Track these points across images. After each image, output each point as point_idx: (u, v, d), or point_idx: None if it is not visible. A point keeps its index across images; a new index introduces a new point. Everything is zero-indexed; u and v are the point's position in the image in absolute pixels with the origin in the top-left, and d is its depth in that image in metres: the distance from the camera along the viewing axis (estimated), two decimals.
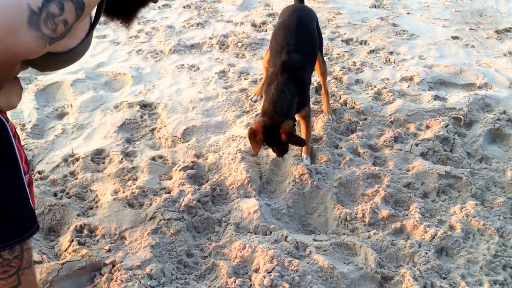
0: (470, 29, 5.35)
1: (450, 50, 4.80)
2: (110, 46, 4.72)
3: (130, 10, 1.79)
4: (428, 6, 6.11)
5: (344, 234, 2.61)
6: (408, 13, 5.80)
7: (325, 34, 5.07)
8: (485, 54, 4.71)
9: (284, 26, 3.23)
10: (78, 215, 2.66)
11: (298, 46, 3.05)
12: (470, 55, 4.69)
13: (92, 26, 1.64)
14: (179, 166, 3.02)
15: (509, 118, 3.58)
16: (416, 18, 5.64)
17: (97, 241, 2.50)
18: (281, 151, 2.89)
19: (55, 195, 2.81)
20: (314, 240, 2.56)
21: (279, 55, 3.01)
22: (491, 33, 5.20)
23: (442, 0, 6.36)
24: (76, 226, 2.55)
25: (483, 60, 4.56)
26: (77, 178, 2.94)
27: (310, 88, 3.24)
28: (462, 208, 2.72)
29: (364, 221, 2.67)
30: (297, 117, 3.05)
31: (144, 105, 3.73)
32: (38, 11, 1.23)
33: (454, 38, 5.08)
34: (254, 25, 5.31)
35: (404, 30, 5.23)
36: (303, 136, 3.13)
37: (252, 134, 2.72)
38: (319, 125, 3.44)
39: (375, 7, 6.03)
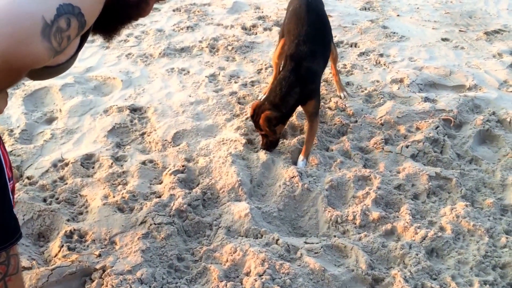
0: (460, 31, 5.39)
1: (440, 52, 4.82)
2: (99, 50, 4.70)
3: (112, 28, 1.81)
4: (418, 8, 6.14)
5: (335, 236, 2.61)
6: (398, 15, 5.83)
7: None
8: (475, 56, 4.74)
9: (295, 15, 3.35)
10: (68, 220, 2.64)
11: (309, 36, 3.19)
12: (460, 56, 4.71)
13: (81, 44, 1.67)
14: (170, 170, 3.01)
15: (498, 119, 3.60)
16: (406, 20, 5.67)
17: (87, 246, 2.48)
18: (268, 143, 3.16)
19: (44, 200, 2.78)
20: (305, 242, 2.55)
21: (289, 46, 3.22)
22: (481, 35, 5.23)
23: (432, 2, 6.39)
24: (65, 231, 2.53)
25: (472, 62, 4.58)
26: (66, 183, 2.92)
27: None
28: (452, 209, 2.73)
29: (355, 223, 2.67)
30: (305, 110, 3.23)
31: (134, 109, 3.72)
32: (50, 24, 1.28)
33: (444, 40, 5.11)
34: (244, 28, 5.31)
35: (394, 32, 5.26)
36: (305, 136, 3.21)
37: (250, 108, 3.20)
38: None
39: (365, 9, 6.05)
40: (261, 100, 3.19)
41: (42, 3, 1.28)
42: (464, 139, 3.40)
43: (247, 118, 3.57)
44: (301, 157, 3.14)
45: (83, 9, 1.38)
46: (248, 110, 3.24)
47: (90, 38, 1.77)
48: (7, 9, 1.21)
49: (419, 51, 4.83)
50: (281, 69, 3.23)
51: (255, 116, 3.12)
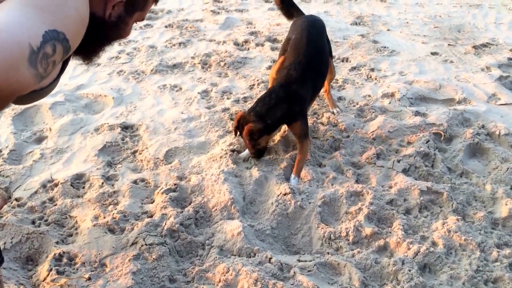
0: (449, 44, 5.43)
1: (429, 65, 4.85)
2: (90, 67, 4.70)
3: (91, 50, 1.81)
4: (407, 22, 6.19)
5: (328, 253, 2.59)
6: (388, 30, 5.87)
7: None
8: (464, 69, 4.78)
9: (295, 44, 3.45)
10: (57, 242, 2.60)
11: (302, 65, 3.30)
12: (449, 70, 4.75)
13: (63, 67, 1.68)
14: (161, 189, 2.99)
15: (488, 132, 3.62)
16: (396, 35, 5.71)
17: (77, 269, 2.44)
18: (255, 152, 3.25)
19: (33, 222, 2.75)
20: (299, 260, 2.54)
21: (283, 71, 3.33)
22: (469, 49, 5.28)
23: (421, 16, 6.45)
24: (54, 254, 2.50)
25: (461, 75, 4.62)
26: (56, 205, 2.89)
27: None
28: (444, 224, 2.73)
29: (348, 240, 2.66)
30: (292, 131, 3.32)
31: (125, 127, 3.70)
32: (37, 51, 1.28)
33: (433, 54, 5.15)
34: (236, 43, 5.33)
35: (385, 47, 5.29)
36: (297, 155, 3.22)
37: (235, 119, 3.30)
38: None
39: (356, 24, 6.09)
40: (247, 110, 3.26)
41: (28, 29, 1.28)
42: (455, 153, 3.41)
43: (239, 135, 3.56)
44: (292, 175, 3.15)
45: (67, 34, 1.39)
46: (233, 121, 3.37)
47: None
48: None
49: (409, 65, 4.86)
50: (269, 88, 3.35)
51: (239, 127, 3.24)
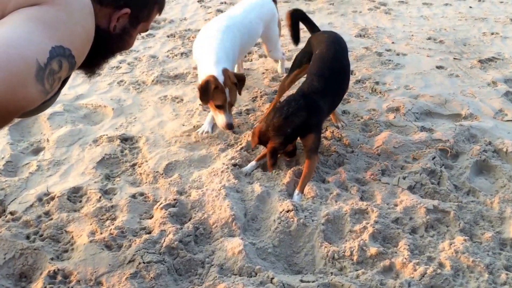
0: (454, 58, 5.37)
1: (435, 80, 4.79)
2: (81, 72, 4.63)
3: (94, 62, 1.79)
4: (412, 35, 6.14)
5: (331, 273, 2.50)
6: (393, 43, 5.82)
7: None
8: (470, 84, 4.71)
9: (320, 59, 3.42)
10: (52, 259, 2.52)
11: (325, 76, 3.29)
12: (455, 84, 4.68)
13: (64, 81, 1.64)
14: (161, 204, 2.91)
15: (495, 149, 3.54)
16: (401, 48, 5.66)
17: (72, 287, 2.36)
18: (288, 154, 3.34)
19: (27, 237, 2.66)
20: (301, 281, 2.44)
21: (305, 81, 3.33)
22: (475, 63, 5.21)
23: (426, 29, 6.40)
24: (49, 271, 2.41)
25: (467, 90, 4.55)
26: (52, 219, 2.81)
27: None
28: (451, 244, 2.64)
29: (352, 260, 2.57)
30: (304, 143, 3.24)
31: (124, 139, 3.63)
32: (44, 67, 1.28)
33: (439, 67, 5.08)
34: None
35: (390, 60, 5.23)
36: (303, 171, 3.17)
37: (253, 134, 3.27)
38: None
39: (361, 36, 6.04)
40: (263, 123, 3.19)
41: (35, 45, 1.27)
42: (461, 170, 3.33)
43: (241, 148, 3.50)
44: (296, 191, 3.08)
45: (73, 51, 1.39)
46: (250, 138, 3.38)
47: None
48: (1, 52, 1.20)
49: (415, 79, 4.80)
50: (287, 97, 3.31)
51: (262, 142, 3.21)
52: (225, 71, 3.40)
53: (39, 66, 1.26)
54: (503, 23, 6.77)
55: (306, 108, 3.13)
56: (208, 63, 3.45)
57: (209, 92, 3.32)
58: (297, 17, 3.95)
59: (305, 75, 3.50)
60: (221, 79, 3.35)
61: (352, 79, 4.75)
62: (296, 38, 4.05)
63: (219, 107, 3.41)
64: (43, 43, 1.30)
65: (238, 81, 3.46)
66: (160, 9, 1.92)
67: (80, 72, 1.79)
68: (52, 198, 2.98)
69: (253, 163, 3.34)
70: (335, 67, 3.38)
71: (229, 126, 3.47)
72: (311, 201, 2.96)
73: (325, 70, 3.33)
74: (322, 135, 3.68)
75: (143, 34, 5.69)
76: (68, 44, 1.36)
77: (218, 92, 3.35)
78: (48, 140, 3.61)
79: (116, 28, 1.72)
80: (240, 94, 3.59)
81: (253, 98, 4.32)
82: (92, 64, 1.79)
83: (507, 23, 6.75)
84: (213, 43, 3.53)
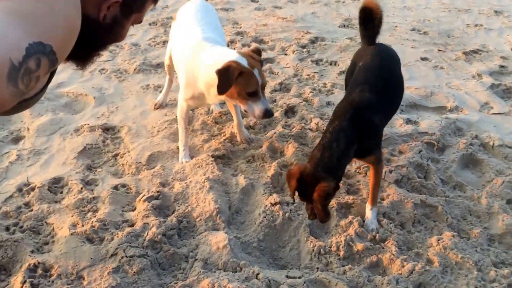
0: (439, 50, 5.37)
1: (420, 71, 4.77)
2: (71, 64, 4.51)
3: (85, 54, 1.69)
4: (396, 26, 6.12)
5: (318, 269, 2.47)
6: None
7: (295, 54, 4.99)
8: (455, 76, 4.71)
9: (364, 68, 2.86)
10: (32, 251, 2.44)
11: (377, 86, 2.69)
12: (440, 77, 4.68)
13: (50, 78, 1.57)
14: (144, 196, 2.84)
15: (481, 143, 3.53)
16: (385, 39, 5.62)
17: (52, 282, 2.29)
18: (311, 212, 2.51)
19: (7, 229, 2.59)
20: (287, 276, 2.41)
21: (350, 92, 2.69)
22: (459, 55, 5.21)
23: (410, 20, 6.39)
24: (29, 264, 2.34)
25: (452, 82, 4.55)
26: (32, 210, 2.73)
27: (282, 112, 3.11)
28: (439, 240, 2.62)
29: (339, 255, 2.54)
30: (364, 162, 2.93)
31: (106, 129, 3.54)
32: (18, 66, 1.16)
33: (423, 59, 5.07)
34: None
35: None
36: (370, 183, 2.74)
37: (288, 177, 2.48)
38: (289, 150, 3.32)
39: (344, 26, 6.01)
40: (307, 162, 2.52)
41: (9, 42, 1.15)
42: (448, 164, 3.32)
43: (225, 139, 3.44)
44: (368, 206, 2.75)
45: (54, 46, 1.27)
46: (286, 179, 2.52)
47: None
48: None
49: None
50: (333, 113, 2.67)
51: (305, 188, 2.41)
52: (241, 52, 2.92)
53: (12, 65, 1.14)
54: (487, 14, 6.79)
55: (357, 137, 2.48)
56: (212, 52, 2.94)
57: (230, 80, 2.73)
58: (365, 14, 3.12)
59: None
60: (244, 62, 2.79)
61: (336, 70, 4.72)
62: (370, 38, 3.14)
63: (251, 94, 2.83)
64: (19, 39, 1.18)
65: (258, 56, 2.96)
66: (155, 1, 1.82)
67: (70, 64, 1.70)
68: (33, 189, 2.89)
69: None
70: (385, 76, 2.81)
71: (269, 113, 2.88)
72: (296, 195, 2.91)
73: (376, 80, 2.75)
74: (306, 126, 3.64)
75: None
76: (48, 40, 1.25)
77: (246, 77, 2.77)
78: (28, 129, 3.51)
79: (106, 18, 1.61)
80: None
81: None
82: (82, 56, 1.70)
83: (491, 15, 6.77)
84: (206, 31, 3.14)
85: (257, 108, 2.85)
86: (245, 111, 2.94)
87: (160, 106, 3.88)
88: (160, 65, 4.62)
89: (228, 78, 2.72)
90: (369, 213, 2.74)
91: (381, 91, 2.68)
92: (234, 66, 2.73)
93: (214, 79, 2.76)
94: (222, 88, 2.74)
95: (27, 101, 1.51)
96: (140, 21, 1.81)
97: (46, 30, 1.25)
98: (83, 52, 1.66)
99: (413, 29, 6.04)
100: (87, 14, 1.54)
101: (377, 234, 2.66)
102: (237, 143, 3.44)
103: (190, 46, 3.06)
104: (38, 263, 2.36)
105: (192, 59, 3.00)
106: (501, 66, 4.95)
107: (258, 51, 3.00)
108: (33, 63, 1.20)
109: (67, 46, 1.36)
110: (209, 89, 2.93)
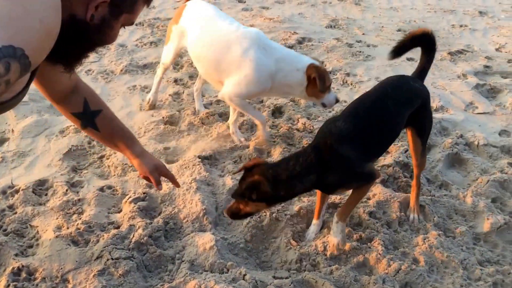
0: None
1: (405, 71, 4.78)
2: (59, 66, 4.47)
3: (73, 56, 1.64)
4: (382, 26, 6.15)
5: (305, 270, 2.47)
6: (363, 34, 5.81)
7: None
8: (440, 76, 4.74)
9: (359, 98, 2.66)
10: (16, 255, 2.41)
11: (358, 116, 2.45)
12: (426, 76, 4.69)
13: (31, 78, 1.52)
14: (130, 197, 2.82)
15: (466, 142, 3.57)
16: (371, 39, 5.66)
17: (37, 285, 2.26)
18: (234, 210, 2.34)
19: None
20: (274, 277, 2.40)
21: (332, 122, 2.46)
22: (445, 55, 5.25)
23: (396, 21, 6.43)
24: (13, 268, 2.31)
25: (438, 82, 4.58)
26: (16, 213, 2.69)
27: (268, 112, 3.08)
28: (425, 239, 2.64)
29: (326, 255, 2.54)
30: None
31: None
32: None
33: (409, 59, 5.10)
34: None
35: (360, 51, 5.22)
36: (350, 196, 2.51)
37: (247, 162, 2.41)
38: (276, 150, 3.32)
39: (331, 27, 6.02)
40: (270, 162, 2.53)
41: None
42: (434, 163, 3.34)
43: (212, 140, 3.43)
44: (335, 217, 2.50)
45: (27, 50, 1.22)
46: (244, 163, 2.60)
47: None
48: None
49: (385, 70, 4.80)
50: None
51: (246, 173, 2.34)
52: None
53: None
54: (471, 15, 6.85)
55: (317, 169, 2.29)
56: (291, 59, 3.27)
57: (327, 79, 3.24)
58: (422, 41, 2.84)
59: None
60: (317, 63, 3.30)
61: None
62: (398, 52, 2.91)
63: (328, 88, 3.28)
64: None
65: None
66: (147, 2, 1.72)
67: (58, 66, 1.66)
68: (17, 191, 2.86)
69: (314, 224, 2.73)
70: (376, 107, 2.52)
71: (338, 99, 3.41)
72: None
73: (361, 109, 2.51)
74: (293, 127, 3.64)
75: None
76: (20, 43, 1.20)
77: (327, 76, 3.27)
78: (12, 131, 3.47)
79: (94, 18, 1.54)
80: None
81: None
82: (70, 58, 1.65)
83: (475, 16, 6.84)
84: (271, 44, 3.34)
85: (332, 98, 3.31)
86: (322, 104, 3.33)
87: (153, 107, 3.87)
88: (147, 66, 4.60)
89: (325, 78, 3.19)
90: (334, 225, 2.51)
91: (363, 120, 2.45)
92: (319, 67, 3.21)
93: (304, 80, 3.20)
94: (323, 87, 3.20)
95: (3, 105, 1.46)
96: (132, 23, 1.73)
97: (18, 33, 1.20)
98: (70, 54, 1.61)
99: (399, 30, 6.07)
100: (73, 14, 1.50)
101: (343, 247, 2.50)
102: (223, 144, 3.42)
103: (250, 43, 3.21)
104: (22, 266, 2.33)
105: (265, 58, 3.21)
106: (486, 66, 5.00)
107: None
108: (2, 67, 1.16)
109: (42, 49, 1.32)
110: (297, 88, 3.27)
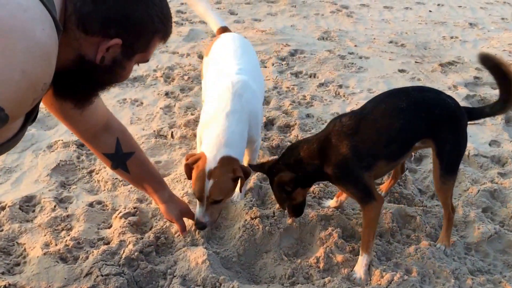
0: (416, 62, 5.42)
1: (397, 83, 4.81)
2: (69, 104, 4.44)
3: (82, 95, 1.62)
4: (374, 38, 6.18)
5: (298, 283, 2.44)
6: (355, 46, 5.83)
7: (274, 66, 5.00)
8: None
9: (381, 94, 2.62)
10: (3, 273, 2.36)
11: (365, 114, 2.43)
12: None
13: (25, 123, 1.50)
14: (120, 212, 2.78)
15: None
16: (363, 51, 5.67)
17: None
18: (291, 208, 2.61)
19: None
20: None
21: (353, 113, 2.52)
22: (436, 66, 5.28)
23: (388, 33, 6.45)
24: (0, 286, 2.26)
25: None
26: (2, 230, 2.64)
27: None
28: (417, 249, 2.62)
29: (319, 267, 2.51)
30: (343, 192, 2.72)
31: (81, 144, 3.46)
32: None
33: (401, 71, 5.12)
34: (201, 56, 5.17)
35: (352, 63, 5.23)
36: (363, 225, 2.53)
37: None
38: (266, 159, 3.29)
39: (323, 39, 6.04)
40: (275, 158, 2.67)
41: None
42: (425, 174, 3.34)
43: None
44: (362, 255, 2.47)
45: (4, 103, 1.19)
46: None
47: None
48: None
49: (377, 82, 4.81)
50: None
51: (269, 177, 2.60)
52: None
53: None
54: (462, 27, 6.90)
55: (319, 157, 2.44)
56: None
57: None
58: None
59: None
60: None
61: (316, 82, 4.73)
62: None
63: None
64: None
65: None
66: (164, 38, 1.66)
67: (68, 104, 1.63)
68: (3, 208, 2.80)
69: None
70: (389, 107, 2.45)
71: (197, 224, 2.55)
72: (275, 207, 2.88)
73: (370, 107, 2.49)
74: (286, 138, 3.62)
75: None
76: None
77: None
78: None
79: (105, 60, 1.52)
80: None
81: None
82: (79, 96, 1.62)
83: (465, 27, 6.89)
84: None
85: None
86: None
87: None
88: (137, 79, 4.58)
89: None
90: (359, 259, 2.49)
91: (370, 124, 2.41)
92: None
93: None
94: None
95: (2, 146, 1.43)
96: (147, 60, 1.70)
97: None
98: (79, 92, 1.59)
99: (390, 42, 6.10)
100: (82, 55, 1.48)
101: (363, 282, 2.42)
102: None
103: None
104: (9, 284, 2.28)
105: None
106: (476, 77, 5.03)
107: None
108: None
109: (22, 100, 1.29)
110: None
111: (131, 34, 1.53)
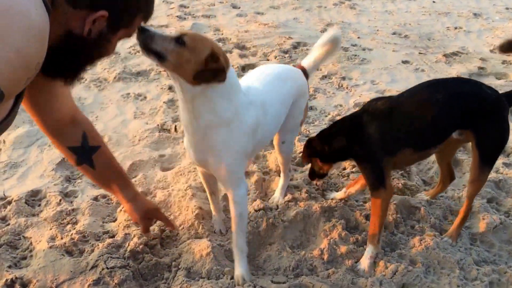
0: (419, 53, 5.41)
1: (401, 74, 4.80)
2: (59, 81, 4.46)
3: (71, 70, 1.64)
4: (377, 30, 6.16)
5: (302, 274, 2.44)
6: (358, 37, 5.81)
7: (277, 59, 4.99)
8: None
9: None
10: (10, 266, 2.39)
11: (400, 100, 2.48)
12: (421, 79, 4.69)
13: (16, 104, 1.53)
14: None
15: None
16: (366, 43, 5.66)
17: None
18: (311, 170, 2.82)
19: None
20: (272, 282, 2.38)
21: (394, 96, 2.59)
22: (440, 57, 5.26)
23: (391, 24, 6.43)
24: (6, 280, 2.28)
25: None
26: (9, 224, 2.67)
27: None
28: (421, 240, 2.62)
29: (323, 259, 2.52)
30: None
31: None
32: None
33: (405, 62, 5.11)
34: None
35: (356, 55, 5.22)
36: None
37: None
38: (272, 156, 3.30)
39: (326, 31, 6.01)
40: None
41: None
42: (429, 165, 3.33)
43: None
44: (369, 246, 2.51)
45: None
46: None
47: None
48: None
49: (381, 73, 4.80)
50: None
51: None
52: None
53: None
54: (466, 17, 6.87)
55: (347, 135, 2.53)
56: None
57: None
58: None
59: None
60: None
61: (319, 74, 4.73)
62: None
63: None
64: None
65: None
66: (145, 17, 1.76)
67: (58, 80, 1.65)
68: (9, 203, 2.83)
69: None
70: (424, 95, 2.47)
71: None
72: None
73: (407, 93, 2.54)
74: None
75: None
76: None
77: None
78: (4, 141, 3.44)
79: (91, 33, 1.57)
80: None
81: None
82: (68, 72, 1.65)
83: (470, 18, 6.85)
84: None
85: None
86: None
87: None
88: (140, 73, 4.59)
89: None
90: (366, 250, 2.52)
91: (403, 111, 2.44)
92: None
93: None
94: None
95: None
96: (130, 36, 1.76)
97: None
98: (68, 68, 1.62)
99: (394, 33, 6.08)
100: (70, 29, 1.50)
101: (367, 274, 2.43)
102: None
103: None
104: (16, 278, 2.30)
105: None
106: (480, 68, 5.01)
107: None
108: None
109: (18, 79, 1.31)
110: None
111: (116, 8, 1.59)
